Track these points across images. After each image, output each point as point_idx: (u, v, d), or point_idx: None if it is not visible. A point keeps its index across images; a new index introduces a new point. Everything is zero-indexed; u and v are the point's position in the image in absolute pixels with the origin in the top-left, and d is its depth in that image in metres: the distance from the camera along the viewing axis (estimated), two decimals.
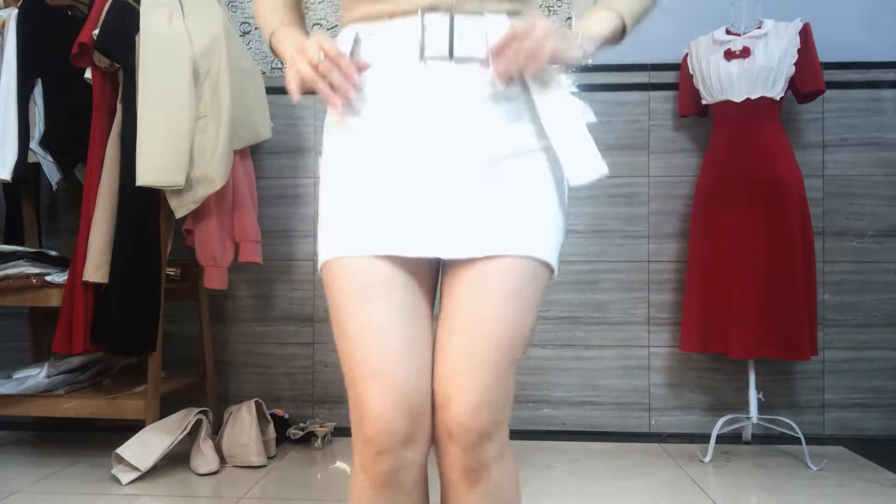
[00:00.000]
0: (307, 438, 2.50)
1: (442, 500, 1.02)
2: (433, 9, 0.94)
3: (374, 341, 0.95)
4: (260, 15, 1.14)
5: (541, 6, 2.68)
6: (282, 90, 2.73)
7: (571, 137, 0.99)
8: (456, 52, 0.95)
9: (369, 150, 0.98)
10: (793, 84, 2.32)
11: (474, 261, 0.95)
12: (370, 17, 0.98)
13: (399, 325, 0.95)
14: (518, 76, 0.96)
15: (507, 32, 0.92)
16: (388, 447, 0.93)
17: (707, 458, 2.29)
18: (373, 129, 0.98)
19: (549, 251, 0.99)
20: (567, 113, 1.00)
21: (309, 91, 0.96)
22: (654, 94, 2.66)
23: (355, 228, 0.97)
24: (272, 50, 1.10)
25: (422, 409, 0.95)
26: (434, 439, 0.98)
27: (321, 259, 1.01)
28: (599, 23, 1.05)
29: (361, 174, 0.98)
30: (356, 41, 0.99)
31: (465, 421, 0.93)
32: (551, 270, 1.01)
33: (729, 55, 2.29)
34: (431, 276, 1.03)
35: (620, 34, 1.11)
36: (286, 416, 2.56)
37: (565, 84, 1.01)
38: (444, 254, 0.95)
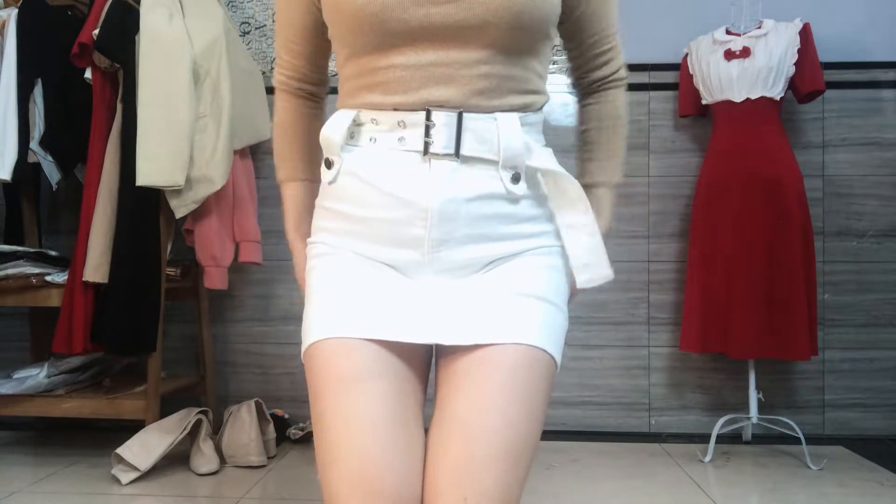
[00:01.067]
0: (307, 438, 2.50)
1: None
2: (441, 106, 0.90)
3: (358, 438, 0.83)
4: (277, 150, 1.16)
5: None
6: None
7: (585, 245, 0.97)
8: (462, 151, 0.91)
9: (365, 238, 0.95)
10: (793, 84, 2.33)
11: (471, 349, 0.89)
12: (374, 107, 0.94)
13: (387, 420, 0.85)
14: (524, 174, 0.94)
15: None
16: None
17: (707, 458, 2.30)
18: (371, 219, 0.94)
19: (551, 342, 0.92)
20: (585, 222, 0.97)
21: None
22: (654, 94, 2.66)
23: (345, 310, 0.91)
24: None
25: None
26: None
27: (306, 343, 0.93)
28: (605, 210, 1.09)
29: (354, 260, 0.95)
30: (357, 123, 0.95)
31: None
32: (555, 363, 0.93)
33: (729, 55, 2.29)
34: (425, 365, 0.97)
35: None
36: (286, 416, 2.56)
37: (582, 195, 0.98)
38: (439, 339, 0.90)
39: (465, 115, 0.91)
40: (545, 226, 0.97)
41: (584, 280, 0.96)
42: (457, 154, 0.91)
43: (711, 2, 2.62)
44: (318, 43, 1.09)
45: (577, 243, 0.96)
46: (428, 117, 0.90)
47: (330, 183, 0.98)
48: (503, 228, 0.94)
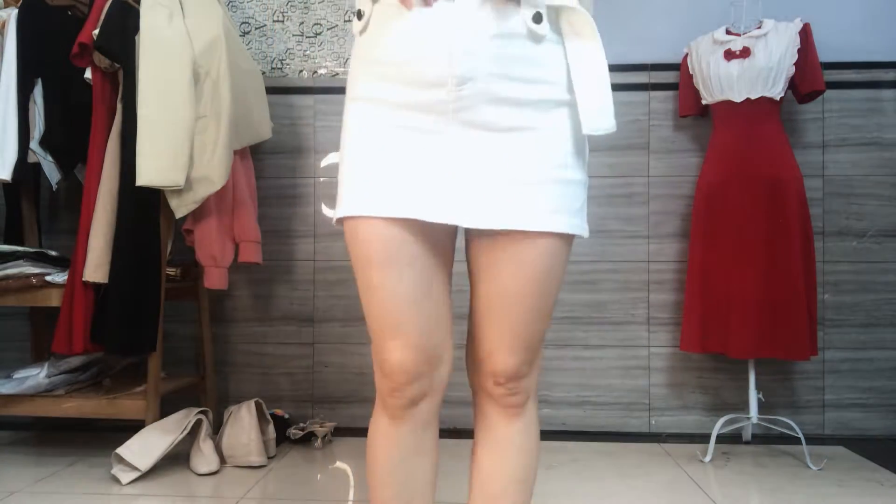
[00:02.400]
0: (307, 438, 2.50)
1: (480, 445, 1.14)
2: None
3: (394, 301, 1.01)
4: None
5: None
6: (282, 90, 2.76)
7: (595, 89, 0.99)
8: None
9: (395, 80, 0.98)
10: (793, 84, 2.33)
11: (504, 234, 1.00)
12: None
13: (417, 286, 1.01)
14: (545, 13, 0.97)
15: None
16: (404, 388, 1.04)
17: (707, 458, 2.30)
18: (393, 69, 0.98)
19: (577, 222, 1.03)
20: (595, 64, 0.99)
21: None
22: (654, 94, 2.66)
23: (379, 187, 0.98)
24: None
25: (434, 360, 1.04)
26: (476, 389, 1.13)
27: (342, 212, 1.03)
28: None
29: (386, 127, 0.99)
30: None
31: (507, 369, 1.05)
32: (573, 237, 1.04)
33: (729, 55, 2.30)
34: (450, 238, 1.07)
35: None
36: (286, 416, 2.56)
37: (595, 34, 0.99)
38: (468, 223, 0.98)
39: None
40: (563, 73, 1.00)
41: (591, 127, 0.99)
42: None
43: (711, 2, 2.62)
44: None
45: (588, 91, 0.99)
46: None
47: (361, 33, 1.03)
48: (525, 70, 0.97)
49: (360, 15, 1.03)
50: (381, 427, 1.10)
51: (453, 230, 1.06)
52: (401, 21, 0.96)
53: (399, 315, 1.01)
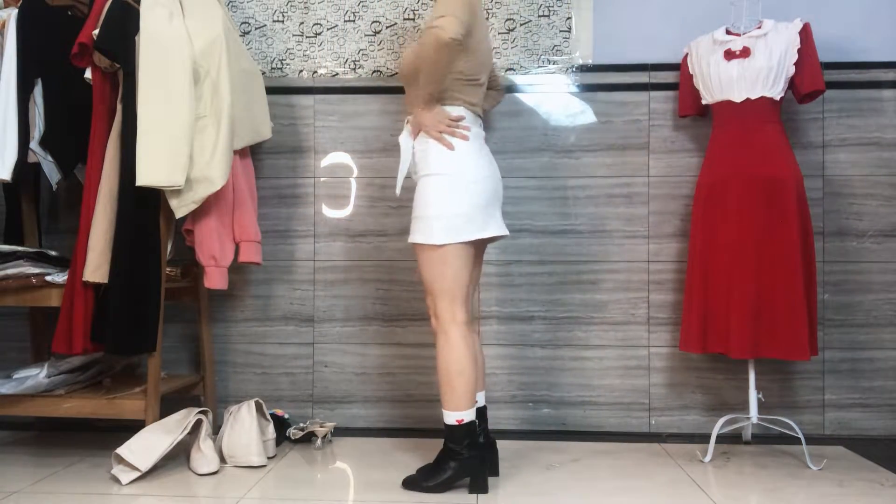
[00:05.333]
0: (307, 438, 2.50)
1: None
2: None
3: (468, 279, 1.98)
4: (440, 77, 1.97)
5: (540, 6, 2.68)
6: (282, 90, 2.76)
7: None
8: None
9: (489, 176, 2.01)
10: (793, 84, 2.33)
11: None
12: (469, 104, 2.04)
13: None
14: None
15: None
16: (466, 307, 1.98)
17: (707, 458, 2.30)
18: (485, 163, 2.02)
19: (430, 235, 1.97)
20: None
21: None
22: (654, 94, 2.66)
23: (486, 223, 1.98)
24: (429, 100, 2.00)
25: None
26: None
27: (466, 238, 1.93)
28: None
29: (489, 190, 2.00)
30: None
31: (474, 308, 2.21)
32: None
33: (729, 55, 2.30)
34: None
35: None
36: (286, 416, 2.56)
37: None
38: (504, 231, 2.05)
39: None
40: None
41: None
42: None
43: (711, 2, 2.63)
44: None
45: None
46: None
47: (473, 136, 2.05)
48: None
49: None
50: (461, 335, 1.94)
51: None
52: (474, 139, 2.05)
53: (467, 288, 1.98)
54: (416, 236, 1.96)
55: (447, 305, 1.94)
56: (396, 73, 2.57)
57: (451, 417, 1.93)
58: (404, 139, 2.07)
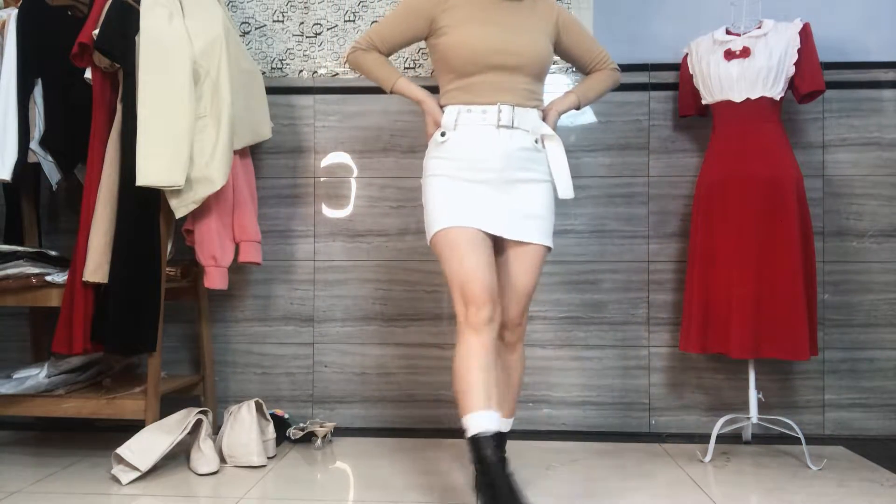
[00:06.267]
0: (307, 438, 2.50)
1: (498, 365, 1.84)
2: (504, 103, 1.85)
3: (475, 263, 1.76)
4: (372, 72, 1.99)
5: None
6: (282, 90, 2.76)
7: (562, 172, 1.92)
8: (515, 125, 1.86)
9: (463, 174, 1.83)
10: (793, 84, 2.32)
11: (518, 242, 1.87)
12: (467, 102, 1.87)
13: (484, 260, 1.78)
14: (539, 139, 1.91)
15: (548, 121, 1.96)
16: (482, 307, 1.73)
17: (707, 458, 2.30)
18: (465, 162, 1.84)
19: (551, 240, 1.92)
20: (560, 158, 1.93)
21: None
22: (654, 94, 2.66)
23: (460, 213, 1.80)
24: (397, 92, 1.96)
25: (494, 298, 1.76)
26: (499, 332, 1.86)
27: (437, 228, 1.81)
28: (562, 101, 2.01)
29: (459, 185, 1.83)
30: (459, 113, 1.87)
31: (516, 316, 1.91)
32: (550, 249, 1.92)
33: (729, 55, 2.29)
34: (494, 240, 1.85)
35: (577, 106, 2.03)
36: (286, 416, 2.56)
37: (558, 140, 1.93)
38: (505, 235, 1.84)
39: (515, 107, 1.86)
40: (545, 166, 1.91)
41: (563, 194, 1.92)
42: (512, 125, 1.85)
43: (711, 2, 2.63)
44: (404, 46, 2.00)
45: (557, 174, 1.92)
46: (500, 108, 1.85)
47: (442, 143, 1.87)
48: (530, 164, 1.88)
49: (443, 134, 1.87)
50: (471, 341, 1.72)
51: (494, 240, 1.85)
52: (470, 138, 1.85)
53: (476, 269, 1.75)
54: (551, 241, 1.93)
55: (460, 297, 1.76)
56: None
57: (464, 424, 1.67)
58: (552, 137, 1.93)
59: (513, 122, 1.84)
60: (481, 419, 1.62)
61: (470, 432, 1.63)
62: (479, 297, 1.72)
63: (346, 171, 2.73)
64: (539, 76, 1.92)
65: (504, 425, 1.90)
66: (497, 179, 1.83)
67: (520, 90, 1.87)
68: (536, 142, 1.89)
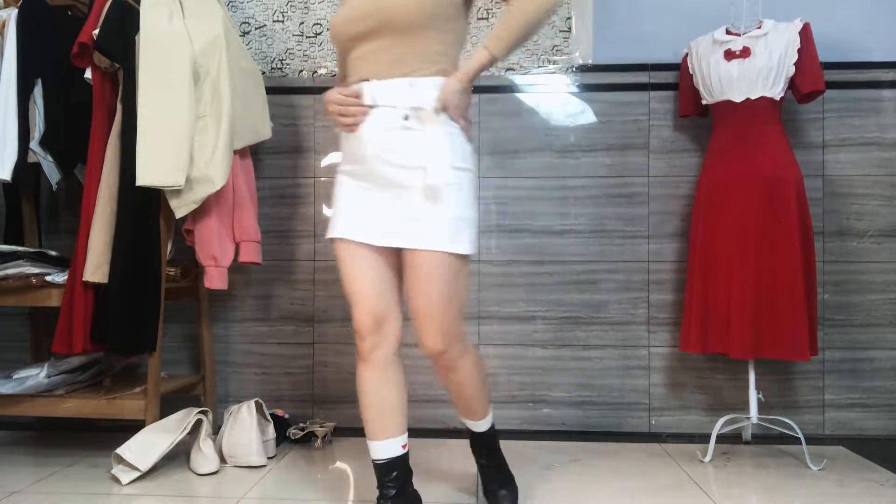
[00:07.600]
0: (307, 438, 2.50)
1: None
2: (366, 77, 1.56)
3: (359, 285, 1.61)
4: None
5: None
6: (282, 90, 2.76)
7: (434, 152, 1.53)
8: (377, 101, 1.55)
9: (346, 168, 1.64)
10: (793, 84, 2.32)
11: (414, 251, 1.54)
12: (353, 82, 1.59)
13: (368, 278, 1.60)
14: (412, 114, 1.53)
15: (436, 100, 1.53)
16: (365, 336, 1.61)
17: (707, 458, 2.30)
18: (347, 155, 1.63)
19: (457, 243, 1.53)
20: (436, 134, 1.54)
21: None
22: (654, 94, 2.66)
23: (343, 221, 1.62)
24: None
25: (383, 321, 1.62)
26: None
27: (331, 234, 1.64)
28: (469, 62, 1.57)
29: (348, 184, 1.63)
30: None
31: (430, 347, 1.60)
32: (458, 255, 1.55)
33: (729, 55, 2.29)
34: (393, 253, 1.62)
35: (492, 61, 1.57)
36: (286, 416, 2.56)
37: (441, 113, 1.55)
38: (384, 243, 1.57)
39: (375, 80, 1.55)
40: (426, 148, 1.52)
41: (426, 177, 1.52)
42: (375, 103, 1.54)
43: (711, 2, 2.62)
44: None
45: (428, 155, 1.52)
46: (361, 85, 1.55)
47: (341, 135, 1.64)
48: (401, 147, 1.53)
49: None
50: (361, 370, 1.64)
51: (395, 248, 1.60)
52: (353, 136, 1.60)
53: (360, 291, 1.61)
54: (459, 244, 1.54)
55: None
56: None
57: None
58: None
59: (375, 98, 1.52)
60: (375, 449, 1.66)
61: (371, 457, 1.68)
62: (361, 326, 1.60)
63: None
64: (412, 30, 1.49)
65: (476, 426, 1.83)
66: (372, 173, 1.54)
67: (385, 59, 1.51)
68: (406, 118, 1.50)
